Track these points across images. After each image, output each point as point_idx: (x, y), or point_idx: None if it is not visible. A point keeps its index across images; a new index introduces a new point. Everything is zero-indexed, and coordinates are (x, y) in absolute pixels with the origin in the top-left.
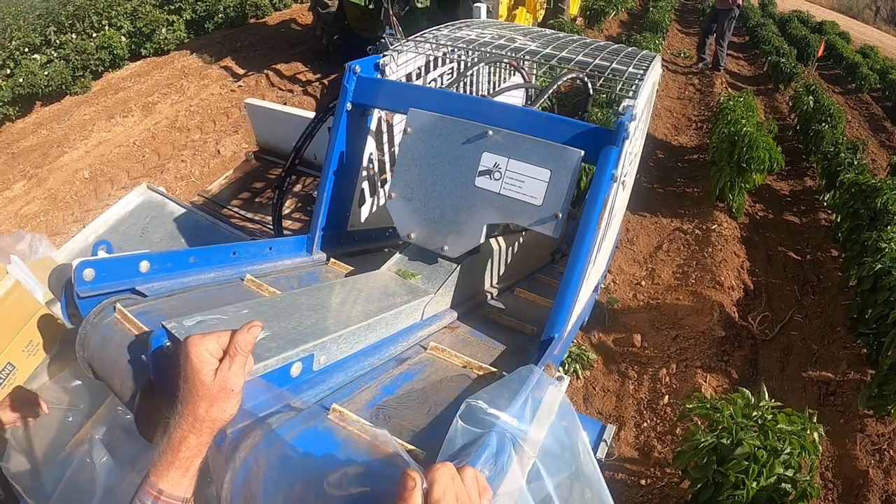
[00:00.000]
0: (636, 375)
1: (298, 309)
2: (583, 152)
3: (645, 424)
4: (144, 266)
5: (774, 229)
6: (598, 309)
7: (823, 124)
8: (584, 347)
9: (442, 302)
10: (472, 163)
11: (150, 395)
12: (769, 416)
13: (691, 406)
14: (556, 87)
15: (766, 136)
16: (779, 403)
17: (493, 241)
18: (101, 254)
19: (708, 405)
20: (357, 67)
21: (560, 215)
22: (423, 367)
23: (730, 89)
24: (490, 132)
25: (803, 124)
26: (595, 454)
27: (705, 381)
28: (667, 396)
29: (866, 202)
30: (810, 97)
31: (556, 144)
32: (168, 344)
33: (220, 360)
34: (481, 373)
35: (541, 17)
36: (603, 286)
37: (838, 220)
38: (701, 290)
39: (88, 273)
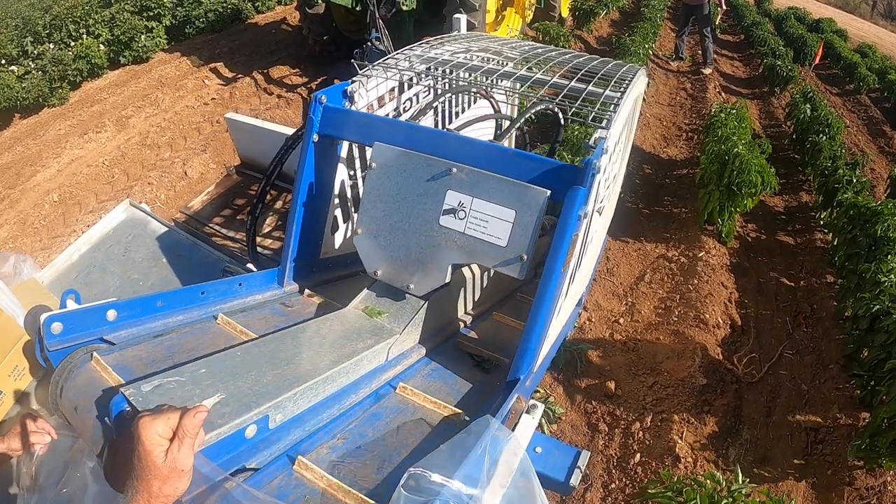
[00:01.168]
0: (607, 429)
1: (256, 363)
2: (549, 192)
3: (613, 485)
4: (112, 315)
5: (767, 252)
6: (570, 355)
7: (821, 135)
8: (551, 399)
9: (409, 340)
10: (437, 200)
11: (116, 451)
12: None
13: (653, 491)
14: (522, 121)
15: (758, 158)
16: (753, 485)
17: (465, 269)
18: (70, 303)
19: (671, 490)
20: (323, 97)
21: (525, 257)
22: (383, 415)
23: (723, 94)
24: (454, 170)
25: (800, 134)
26: (569, 481)
27: (681, 438)
28: (638, 455)
29: (865, 228)
30: (807, 105)
31: (522, 183)
32: (128, 409)
33: (171, 440)
34: (444, 415)
35: (530, 18)
36: (577, 325)
37: (835, 243)
38: (683, 329)
39: (56, 327)
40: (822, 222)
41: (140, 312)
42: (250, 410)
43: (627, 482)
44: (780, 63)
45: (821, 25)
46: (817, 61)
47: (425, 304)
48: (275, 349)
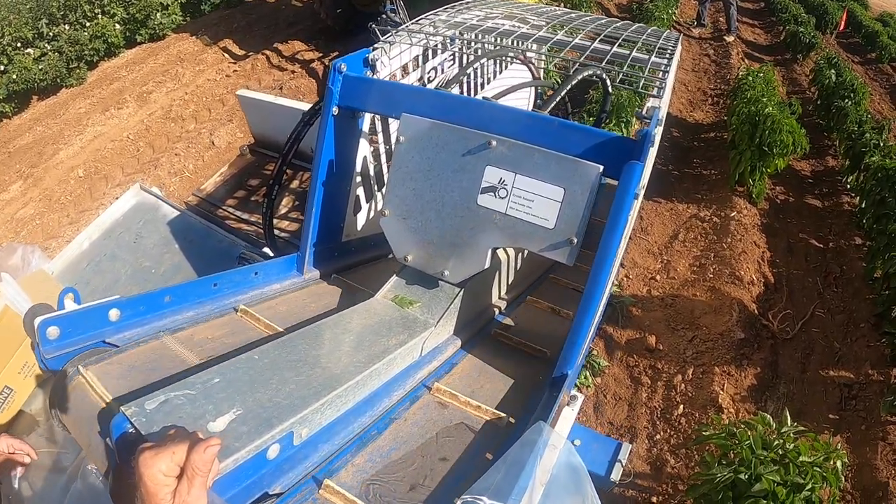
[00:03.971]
0: (650, 382)
1: (277, 370)
2: (601, 167)
3: (658, 436)
4: (114, 314)
5: (796, 214)
6: (611, 307)
7: (846, 100)
8: (595, 353)
9: (443, 332)
10: (474, 178)
11: (122, 475)
12: (790, 446)
13: (707, 433)
14: (569, 88)
15: (789, 118)
16: (801, 428)
17: (499, 251)
18: (69, 303)
19: (724, 433)
20: (343, 66)
21: (575, 240)
22: (419, 423)
23: (746, 60)
24: (494, 142)
25: (825, 99)
26: (610, 475)
27: (722, 389)
28: (682, 406)
29: (894, 189)
30: (832, 70)
31: (571, 158)
32: (131, 430)
33: (178, 478)
34: (486, 418)
35: None
36: (616, 284)
37: (863, 205)
38: (719, 286)
39: (52, 331)
40: (848, 186)
41: (146, 310)
42: (272, 428)
43: (672, 433)
44: (802, 30)
45: None
46: (843, 28)
47: (461, 292)
48: (296, 350)
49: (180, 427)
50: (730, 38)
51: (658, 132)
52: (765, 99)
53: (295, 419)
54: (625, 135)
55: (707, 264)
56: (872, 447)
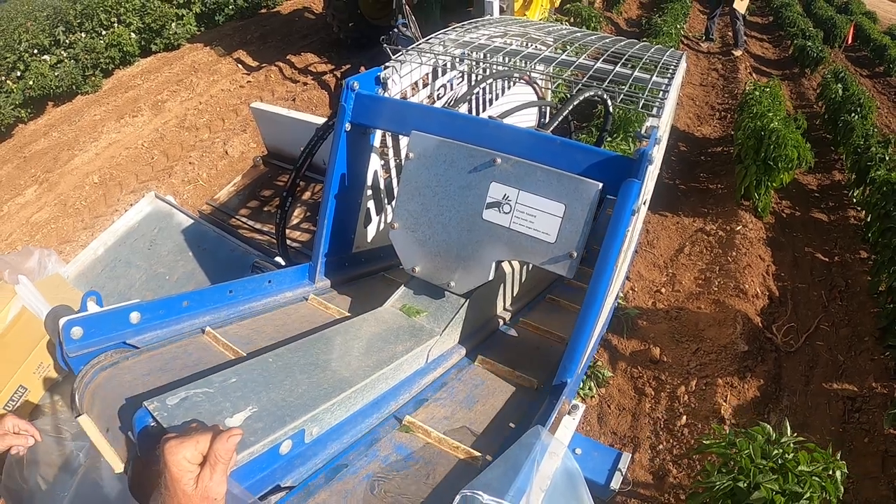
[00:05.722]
0: (653, 393)
1: (290, 372)
2: (601, 185)
3: (661, 446)
4: (135, 317)
5: (801, 228)
6: (617, 319)
7: (853, 114)
8: (599, 363)
9: (449, 341)
10: (480, 193)
11: (142, 467)
12: (790, 455)
13: (708, 442)
14: (571, 108)
15: (794, 133)
16: (801, 438)
17: (504, 263)
18: (91, 306)
19: (725, 442)
20: (355, 84)
21: (575, 254)
22: (425, 423)
23: (754, 74)
24: (498, 160)
25: (832, 114)
26: (609, 484)
27: (725, 401)
28: (685, 417)
29: None
30: (839, 85)
31: (572, 176)
32: (153, 424)
33: (201, 466)
34: (487, 424)
35: (558, 2)
36: (622, 295)
37: (868, 219)
38: (724, 299)
39: (76, 331)
40: (854, 200)
41: (165, 314)
42: (285, 425)
43: (675, 443)
44: (810, 44)
45: (850, 7)
46: (850, 42)
47: (466, 303)
48: (309, 354)
49: (200, 421)
50: (738, 53)
51: (656, 151)
52: (770, 114)
53: (307, 417)
54: (632, 149)
55: (712, 277)
56: (875, 460)
